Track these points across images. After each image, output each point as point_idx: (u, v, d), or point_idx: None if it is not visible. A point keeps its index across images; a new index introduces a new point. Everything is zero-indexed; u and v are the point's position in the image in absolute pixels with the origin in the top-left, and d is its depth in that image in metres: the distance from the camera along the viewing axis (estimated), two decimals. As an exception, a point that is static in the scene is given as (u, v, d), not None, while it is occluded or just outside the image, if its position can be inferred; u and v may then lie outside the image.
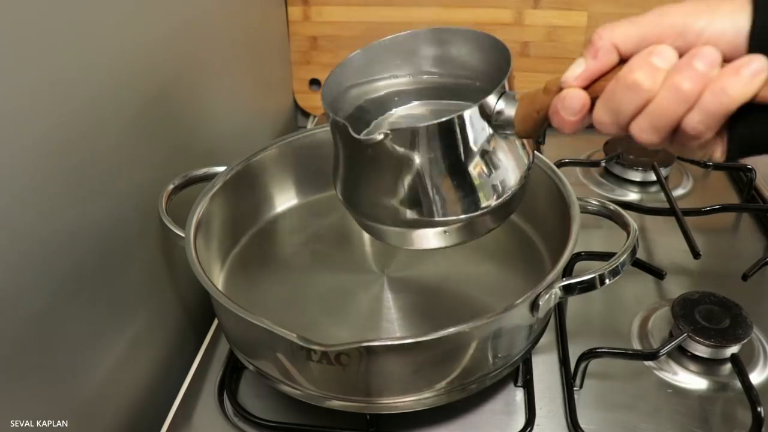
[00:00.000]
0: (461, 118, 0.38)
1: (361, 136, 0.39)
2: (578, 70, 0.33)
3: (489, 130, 0.39)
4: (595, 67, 0.33)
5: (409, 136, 0.39)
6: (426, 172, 0.40)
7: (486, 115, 0.39)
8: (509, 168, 0.41)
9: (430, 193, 0.41)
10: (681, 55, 0.31)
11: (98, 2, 0.47)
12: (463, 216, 0.41)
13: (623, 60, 0.33)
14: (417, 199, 0.41)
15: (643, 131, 0.32)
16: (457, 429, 0.52)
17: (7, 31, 0.38)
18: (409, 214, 0.42)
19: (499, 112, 0.39)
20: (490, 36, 0.43)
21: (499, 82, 0.39)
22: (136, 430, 0.55)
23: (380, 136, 0.39)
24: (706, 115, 0.30)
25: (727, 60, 0.30)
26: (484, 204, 0.41)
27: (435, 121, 0.38)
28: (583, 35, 0.91)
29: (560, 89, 0.35)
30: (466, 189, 0.40)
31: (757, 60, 0.29)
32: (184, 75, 0.62)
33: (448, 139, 0.39)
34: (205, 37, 0.66)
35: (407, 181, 0.41)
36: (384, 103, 0.51)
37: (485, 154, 0.40)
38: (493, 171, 0.40)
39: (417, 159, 0.40)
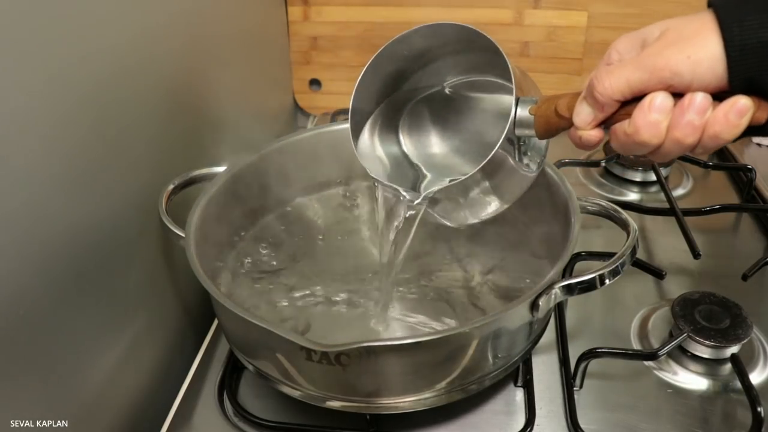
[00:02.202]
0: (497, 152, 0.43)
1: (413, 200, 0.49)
2: (588, 118, 0.39)
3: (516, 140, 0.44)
4: (602, 116, 0.39)
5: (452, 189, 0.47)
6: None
7: (510, 129, 0.43)
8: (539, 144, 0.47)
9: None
10: (675, 93, 0.36)
11: (97, 4, 0.47)
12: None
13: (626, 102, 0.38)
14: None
15: (656, 160, 0.39)
16: (457, 429, 0.52)
17: (4, 30, 0.38)
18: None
19: (520, 122, 0.43)
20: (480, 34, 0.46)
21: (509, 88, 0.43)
22: (136, 430, 0.55)
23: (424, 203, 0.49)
24: (706, 149, 0.37)
25: (715, 90, 0.35)
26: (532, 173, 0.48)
27: (476, 168, 0.44)
28: (583, 35, 0.91)
29: (572, 118, 0.40)
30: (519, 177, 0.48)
31: (740, 101, 0.34)
32: (183, 75, 0.62)
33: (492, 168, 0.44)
34: (205, 36, 0.66)
35: None
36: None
37: (521, 149, 0.46)
38: (530, 152, 0.47)
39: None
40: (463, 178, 0.45)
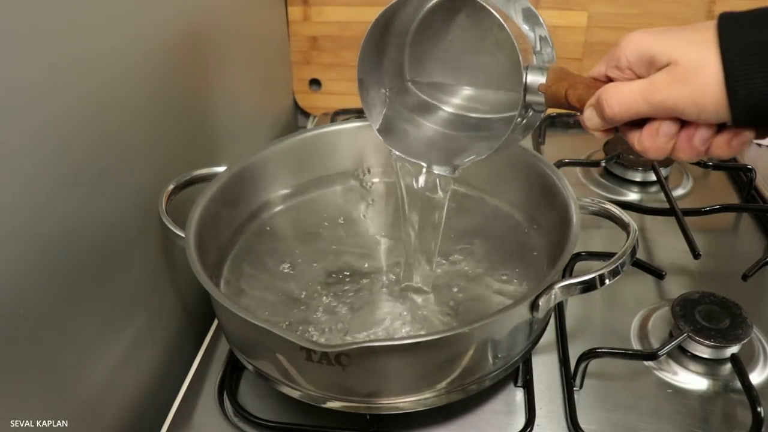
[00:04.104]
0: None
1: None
2: (597, 125, 0.41)
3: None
4: (610, 127, 0.41)
5: None
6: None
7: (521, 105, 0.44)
8: None
9: None
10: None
11: (97, 3, 0.47)
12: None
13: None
14: None
15: None
16: (457, 429, 0.52)
17: (6, 28, 0.38)
18: None
19: (530, 90, 0.43)
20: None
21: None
22: (136, 430, 0.55)
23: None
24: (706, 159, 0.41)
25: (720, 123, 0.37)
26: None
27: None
28: (583, 35, 0.91)
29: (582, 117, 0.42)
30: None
31: (743, 133, 0.37)
32: (184, 75, 0.62)
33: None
34: (205, 37, 0.66)
35: None
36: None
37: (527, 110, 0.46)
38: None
39: None
40: (489, 153, 0.47)
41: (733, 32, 0.35)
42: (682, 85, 0.36)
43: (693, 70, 0.35)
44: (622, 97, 0.38)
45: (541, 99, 0.43)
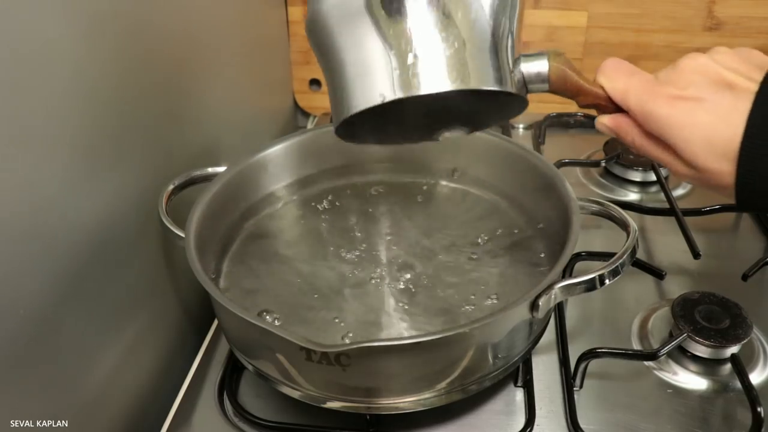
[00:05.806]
0: None
1: None
2: (608, 133, 0.44)
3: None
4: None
5: None
6: None
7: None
8: None
9: None
10: None
11: (97, 3, 0.47)
12: None
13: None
14: None
15: None
16: (457, 429, 0.52)
17: (4, 31, 0.38)
18: None
19: (530, 78, 0.42)
20: None
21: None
22: (136, 430, 0.55)
23: None
24: None
25: None
26: None
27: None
28: (583, 35, 0.91)
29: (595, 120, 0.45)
30: None
31: None
32: (183, 75, 0.62)
33: None
34: (204, 36, 0.66)
35: None
36: None
37: None
38: None
39: None
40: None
41: (751, 171, 0.37)
42: (703, 185, 0.40)
43: (714, 184, 0.39)
44: (645, 150, 0.42)
45: (545, 84, 0.42)
